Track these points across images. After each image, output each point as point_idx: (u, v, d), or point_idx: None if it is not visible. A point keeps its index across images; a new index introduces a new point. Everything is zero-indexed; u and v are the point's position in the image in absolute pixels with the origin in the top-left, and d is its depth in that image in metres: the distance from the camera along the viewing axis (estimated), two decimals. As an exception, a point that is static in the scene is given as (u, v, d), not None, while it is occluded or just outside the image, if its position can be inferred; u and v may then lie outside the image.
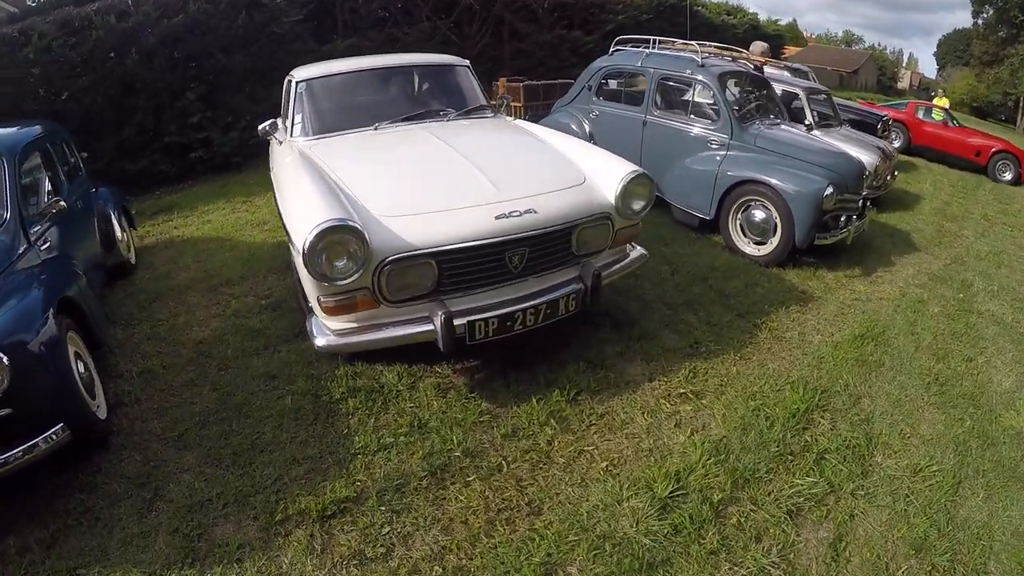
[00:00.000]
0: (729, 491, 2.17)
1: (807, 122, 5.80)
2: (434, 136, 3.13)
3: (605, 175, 2.81)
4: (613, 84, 5.61)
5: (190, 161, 7.12)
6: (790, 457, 2.43)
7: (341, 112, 3.57)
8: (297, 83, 3.62)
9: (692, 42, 5.09)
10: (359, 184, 2.60)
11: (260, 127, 3.62)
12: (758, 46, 7.81)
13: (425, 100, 3.79)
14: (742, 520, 2.06)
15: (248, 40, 7.47)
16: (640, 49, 5.27)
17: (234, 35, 7.37)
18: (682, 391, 2.82)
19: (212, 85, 7.23)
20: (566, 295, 2.58)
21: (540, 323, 2.55)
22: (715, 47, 5.25)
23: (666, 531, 1.97)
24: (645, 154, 4.86)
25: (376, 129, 3.36)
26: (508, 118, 3.83)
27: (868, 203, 4.89)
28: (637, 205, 2.82)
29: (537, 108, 7.37)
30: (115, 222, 4.28)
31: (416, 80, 3.91)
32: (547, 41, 10.47)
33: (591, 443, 2.47)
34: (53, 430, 2.22)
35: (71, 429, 2.28)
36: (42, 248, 2.92)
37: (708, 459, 2.34)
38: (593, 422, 2.59)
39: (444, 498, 2.15)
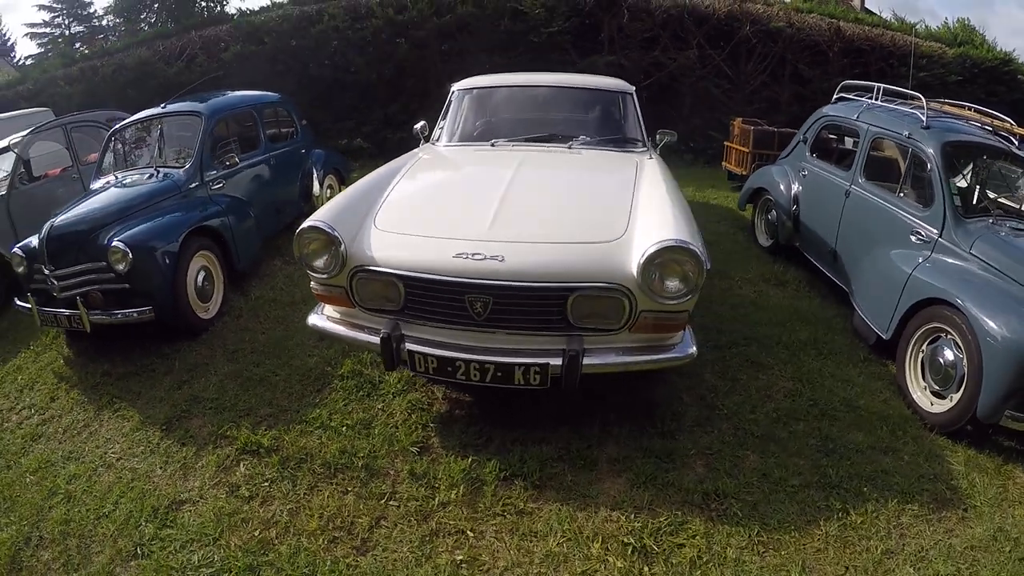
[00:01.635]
0: None
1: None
2: (517, 162, 3.20)
3: (643, 238, 2.40)
4: (830, 139, 4.94)
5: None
6: None
7: (477, 124, 3.92)
8: (454, 92, 4.08)
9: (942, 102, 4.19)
10: (397, 195, 2.93)
11: (415, 127, 4.05)
12: None
13: (565, 123, 3.83)
14: None
15: (509, 45, 8.47)
16: (862, 99, 4.49)
17: (496, 39, 8.49)
18: (639, 545, 2.17)
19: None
20: (526, 365, 2.33)
21: (488, 383, 2.38)
22: (955, 105, 4.20)
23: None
24: (842, 233, 4.04)
25: (492, 146, 3.57)
26: (649, 157, 3.50)
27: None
28: (672, 284, 2.33)
29: (766, 157, 6.87)
30: (315, 179, 5.62)
31: (568, 102, 4.02)
32: (832, 88, 9.45)
33: (477, 530, 2.24)
34: (143, 308, 3.44)
35: (161, 315, 3.51)
36: (214, 187, 4.19)
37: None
38: (501, 513, 2.31)
39: (318, 489, 2.47)
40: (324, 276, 2.62)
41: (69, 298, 3.43)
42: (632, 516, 2.27)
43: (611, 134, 3.70)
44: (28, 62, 14.85)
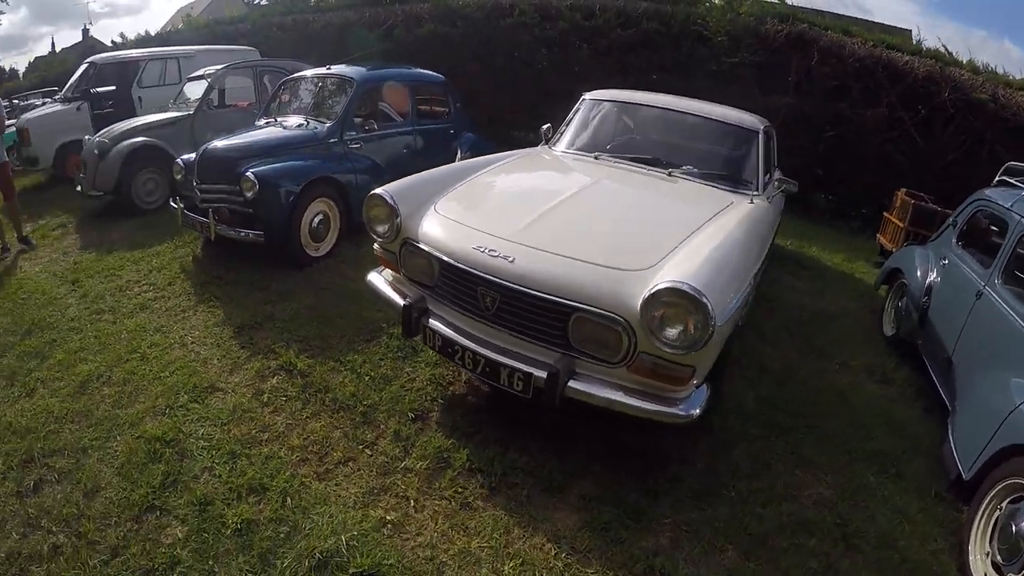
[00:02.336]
0: None
1: None
2: (600, 177, 3.35)
3: (662, 276, 2.31)
4: (979, 227, 4.25)
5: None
6: None
7: (592, 135, 4.01)
8: (584, 100, 4.24)
9: None
10: (470, 185, 3.19)
11: (541, 128, 4.28)
12: None
13: (677, 149, 3.80)
14: None
15: (688, 69, 8.32)
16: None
17: (677, 60, 8.41)
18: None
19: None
20: (512, 369, 2.41)
21: (478, 374, 2.53)
22: None
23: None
24: (963, 339, 3.40)
25: (595, 158, 3.68)
26: (751, 201, 3.28)
27: None
28: (670, 332, 2.21)
29: (921, 237, 6.11)
30: (458, 159, 6.08)
31: (690, 129, 3.94)
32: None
33: (420, 503, 2.38)
34: (258, 232, 4.16)
35: (270, 241, 4.21)
36: (351, 146, 4.81)
37: None
38: (448, 497, 2.41)
39: (318, 417, 2.84)
40: (382, 240, 2.97)
41: (206, 209, 4.23)
42: (563, 555, 2.19)
43: (721, 169, 3.60)
44: (263, 2, 17.32)
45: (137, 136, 5.72)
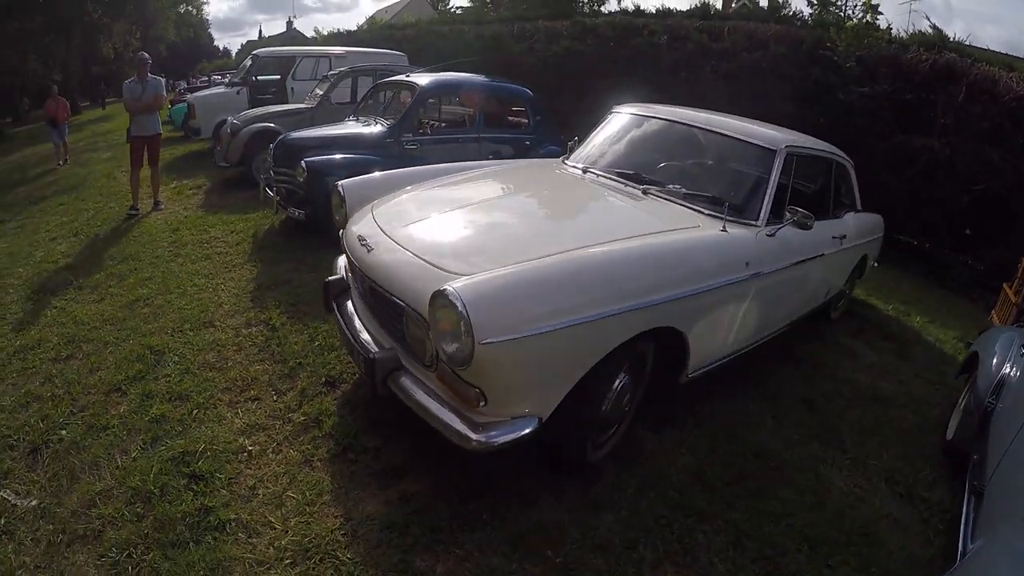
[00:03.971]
0: None
1: None
2: (553, 188, 3.52)
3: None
4: None
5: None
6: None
7: (599, 149, 3.96)
8: (610, 113, 4.24)
9: None
10: (422, 190, 3.41)
11: (569, 142, 4.29)
12: None
13: (672, 167, 3.63)
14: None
15: (815, 97, 8.00)
16: None
17: (804, 87, 8.09)
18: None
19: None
20: (360, 353, 2.55)
21: (345, 351, 3.08)
22: None
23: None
24: (1004, 467, 2.51)
25: (583, 173, 3.66)
26: (723, 229, 2.99)
27: None
28: (446, 342, 2.08)
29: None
30: None
31: (700, 146, 3.72)
32: None
33: (274, 448, 2.79)
34: (302, 211, 5.23)
35: (311, 219, 5.23)
36: (408, 147, 5.65)
37: None
38: (299, 453, 2.75)
39: (260, 363, 3.49)
40: (337, 226, 3.43)
41: (274, 185, 5.37)
42: (339, 532, 2.33)
43: (710, 190, 3.28)
44: (459, 10, 19.26)
45: (263, 122, 7.22)
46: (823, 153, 4.16)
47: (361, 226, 2.92)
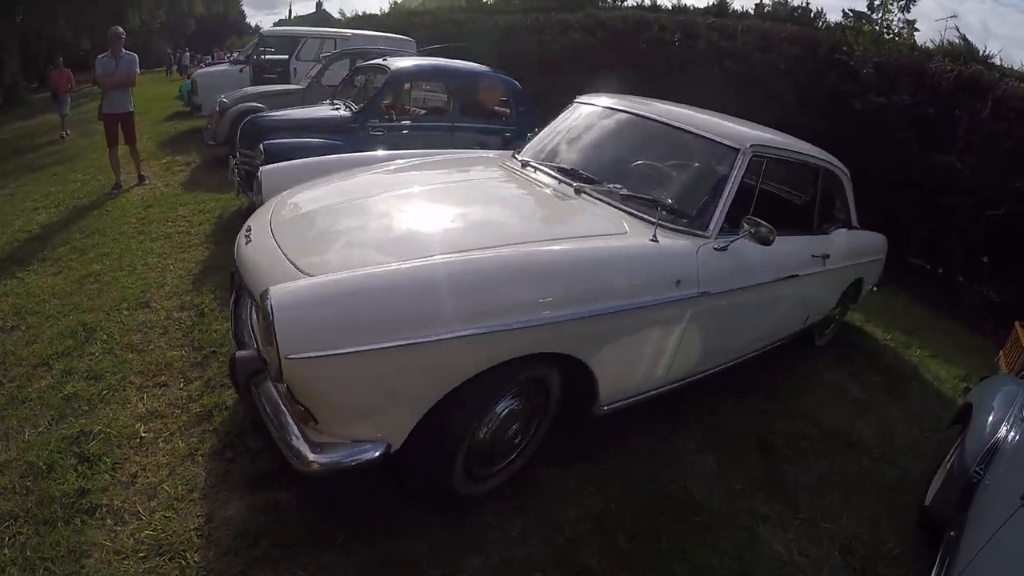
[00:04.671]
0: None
1: None
2: (470, 185, 3.36)
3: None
4: None
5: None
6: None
7: (547, 143, 3.69)
8: (571, 105, 3.93)
9: None
10: (331, 178, 3.28)
11: (528, 134, 4.15)
12: None
13: (618, 166, 3.31)
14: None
15: (829, 106, 7.65)
16: None
17: (818, 94, 7.78)
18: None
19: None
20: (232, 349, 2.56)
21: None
22: None
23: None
24: (991, 550, 2.13)
25: (522, 167, 3.42)
26: (653, 238, 2.64)
27: None
28: (267, 354, 1.97)
29: None
30: None
31: (658, 144, 3.35)
32: None
33: (164, 440, 2.82)
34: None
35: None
36: (373, 132, 5.68)
37: None
38: (177, 451, 2.75)
39: (175, 348, 3.72)
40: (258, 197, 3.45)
41: (238, 167, 5.50)
42: (192, 533, 2.34)
43: (656, 192, 3.01)
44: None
45: (251, 101, 7.36)
46: (807, 158, 3.76)
47: (256, 215, 2.86)
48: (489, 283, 2.11)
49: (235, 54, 14.36)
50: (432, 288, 2.01)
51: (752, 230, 2.72)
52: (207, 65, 18.46)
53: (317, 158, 3.76)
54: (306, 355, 1.78)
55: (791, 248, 3.32)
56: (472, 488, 2.42)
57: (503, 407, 2.34)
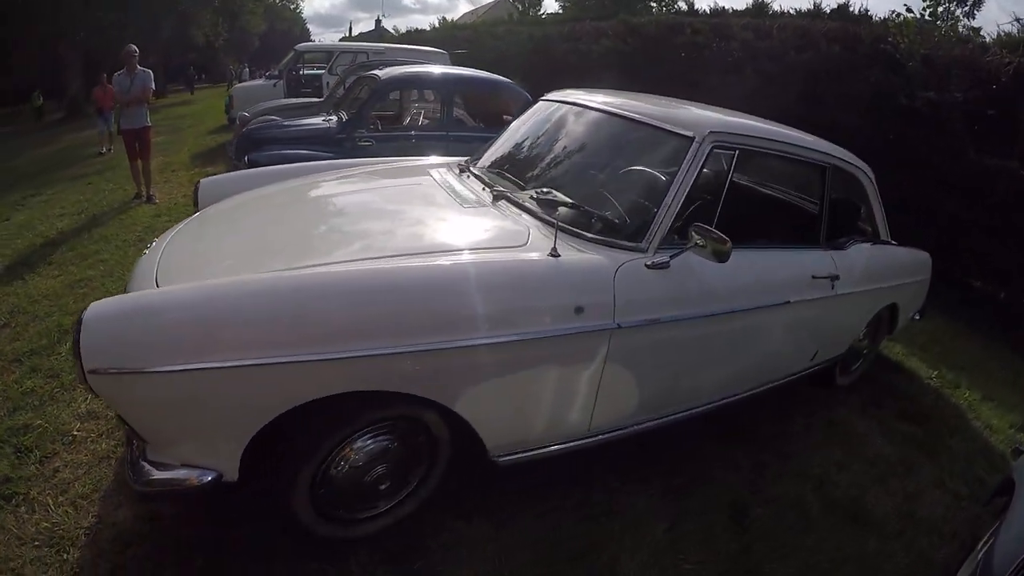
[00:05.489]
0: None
1: None
2: (386, 201, 3.02)
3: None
4: None
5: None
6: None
7: (504, 146, 3.42)
8: (536, 103, 3.66)
9: None
10: (263, 190, 3.22)
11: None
12: None
13: (561, 165, 2.99)
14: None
15: (873, 104, 7.23)
16: None
17: (860, 93, 7.34)
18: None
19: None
20: None
21: None
22: None
23: None
24: None
25: (459, 171, 3.23)
26: (558, 254, 2.21)
27: None
28: None
29: None
30: None
31: (610, 138, 3.00)
32: None
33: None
34: None
35: None
36: (361, 143, 5.71)
37: None
38: (102, 453, 2.84)
39: None
40: None
41: (237, 172, 5.74)
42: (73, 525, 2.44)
43: (583, 195, 2.63)
44: (544, 15, 19.72)
45: (270, 115, 7.69)
46: (808, 153, 3.14)
47: (173, 228, 2.84)
48: (315, 303, 1.85)
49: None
50: (240, 308, 1.81)
51: (700, 241, 2.19)
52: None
53: (252, 170, 3.78)
54: (103, 370, 1.68)
55: (780, 267, 2.85)
56: (336, 530, 2.23)
57: (364, 445, 2.11)
